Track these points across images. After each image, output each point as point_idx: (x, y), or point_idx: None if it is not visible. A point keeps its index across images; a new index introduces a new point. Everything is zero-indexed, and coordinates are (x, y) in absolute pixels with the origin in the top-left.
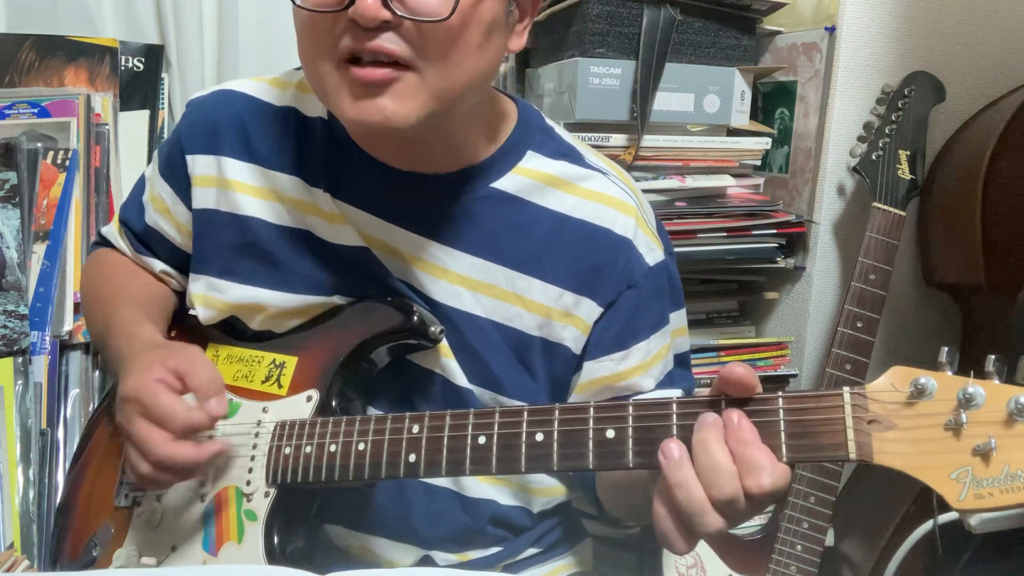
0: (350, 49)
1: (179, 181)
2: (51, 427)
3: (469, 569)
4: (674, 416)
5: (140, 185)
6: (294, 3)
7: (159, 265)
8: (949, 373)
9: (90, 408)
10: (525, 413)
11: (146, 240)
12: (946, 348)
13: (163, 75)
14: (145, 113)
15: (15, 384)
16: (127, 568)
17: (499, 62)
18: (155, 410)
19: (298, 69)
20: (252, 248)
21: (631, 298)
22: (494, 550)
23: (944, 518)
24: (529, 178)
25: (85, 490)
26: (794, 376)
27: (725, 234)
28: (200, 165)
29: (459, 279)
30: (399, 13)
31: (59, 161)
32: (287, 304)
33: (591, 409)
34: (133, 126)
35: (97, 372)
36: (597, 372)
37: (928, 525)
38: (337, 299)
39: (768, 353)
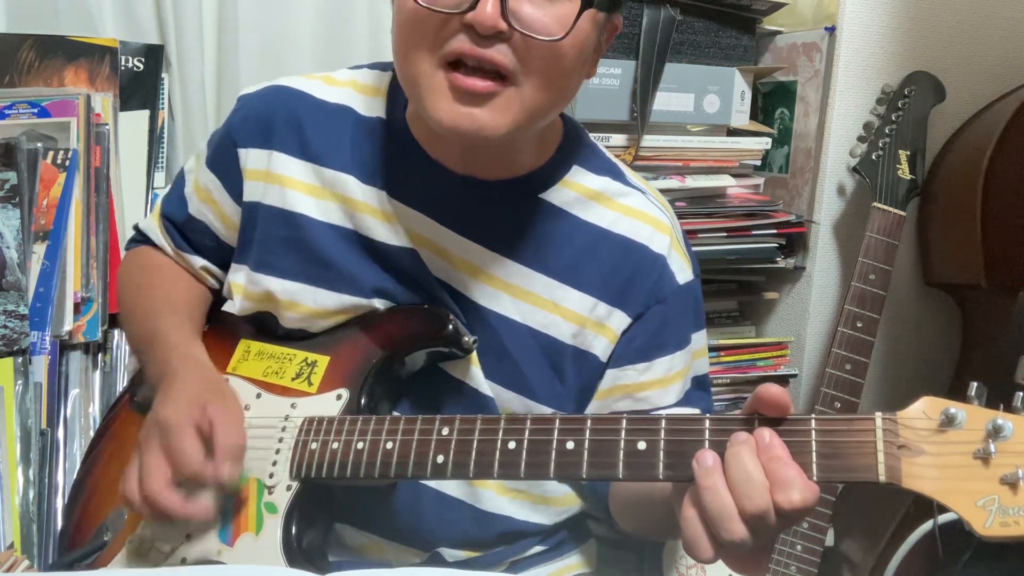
0: (459, 52)
1: (228, 173)
2: (51, 427)
3: (477, 563)
4: (707, 432)
5: (180, 180)
6: None
7: (199, 261)
8: (977, 405)
9: (90, 408)
10: (557, 421)
11: (188, 232)
12: (975, 383)
13: (163, 75)
14: (145, 113)
15: (15, 384)
16: (130, 568)
17: (578, 89)
18: (173, 447)
19: (352, 69)
20: (297, 244)
21: (659, 313)
22: (501, 548)
23: (944, 518)
24: (574, 192)
25: (101, 474)
26: (794, 376)
27: (725, 234)
28: (253, 159)
29: (501, 284)
30: (515, 26)
31: (59, 161)
32: (326, 303)
33: (623, 420)
34: (133, 126)
35: (97, 372)
36: (619, 380)
37: (928, 525)
38: (376, 302)
39: (768, 353)
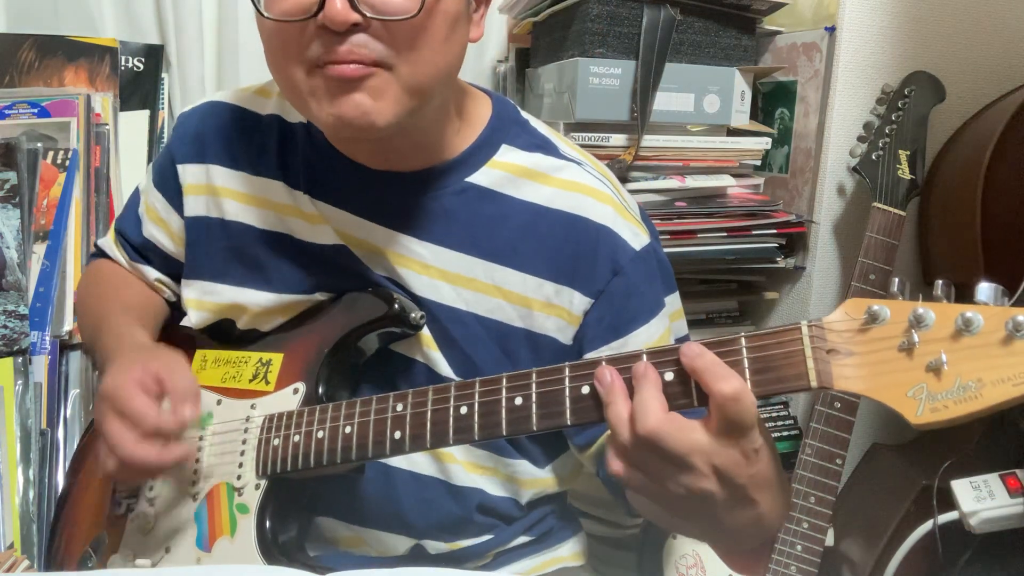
0: (322, 56)
1: (171, 190)
2: (51, 427)
3: (460, 555)
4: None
5: (135, 198)
6: (260, 15)
7: (153, 273)
8: (901, 300)
9: (90, 408)
10: (504, 380)
11: (143, 252)
12: (897, 279)
13: (163, 75)
14: (145, 113)
15: (15, 384)
16: (126, 568)
17: (463, 53)
18: (128, 410)
19: None
20: (238, 252)
21: (620, 285)
22: (485, 537)
23: (944, 518)
24: (504, 171)
25: (80, 502)
26: None
27: (725, 234)
28: (190, 174)
29: (439, 273)
30: (368, 15)
31: (59, 161)
32: (271, 304)
33: (566, 369)
34: (133, 126)
35: (97, 372)
36: None
37: (928, 525)
38: (319, 296)
39: None
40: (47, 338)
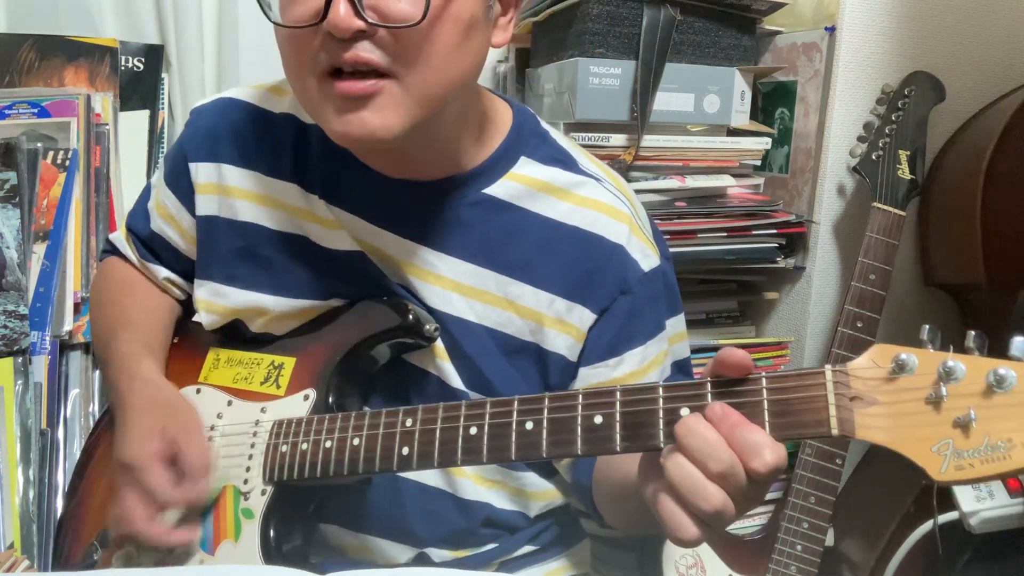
0: (329, 63)
1: (183, 189)
2: (51, 427)
3: (465, 564)
4: (660, 400)
5: (146, 193)
6: (272, 23)
7: (163, 272)
8: (931, 350)
9: (90, 408)
10: (515, 402)
11: (151, 246)
12: (927, 326)
13: (163, 75)
14: (145, 113)
15: (15, 384)
16: (126, 568)
17: (482, 60)
18: (144, 484)
19: None
20: (251, 253)
21: (625, 304)
22: (489, 547)
23: (944, 518)
24: (521, 184)
25: (87, 497)
26: None
27: (725, 234)
28: (203, 173)
29: (451, 284)
30: (371, 21)
31: (59, 161)
32: (286, 308)
33: (580, 396)
34: (133, 126)
35: (97, 372)
36: (592, 378)
37: (928, 525)
38: (334, 302)
39: (768, 353)
40: (47, 338)
